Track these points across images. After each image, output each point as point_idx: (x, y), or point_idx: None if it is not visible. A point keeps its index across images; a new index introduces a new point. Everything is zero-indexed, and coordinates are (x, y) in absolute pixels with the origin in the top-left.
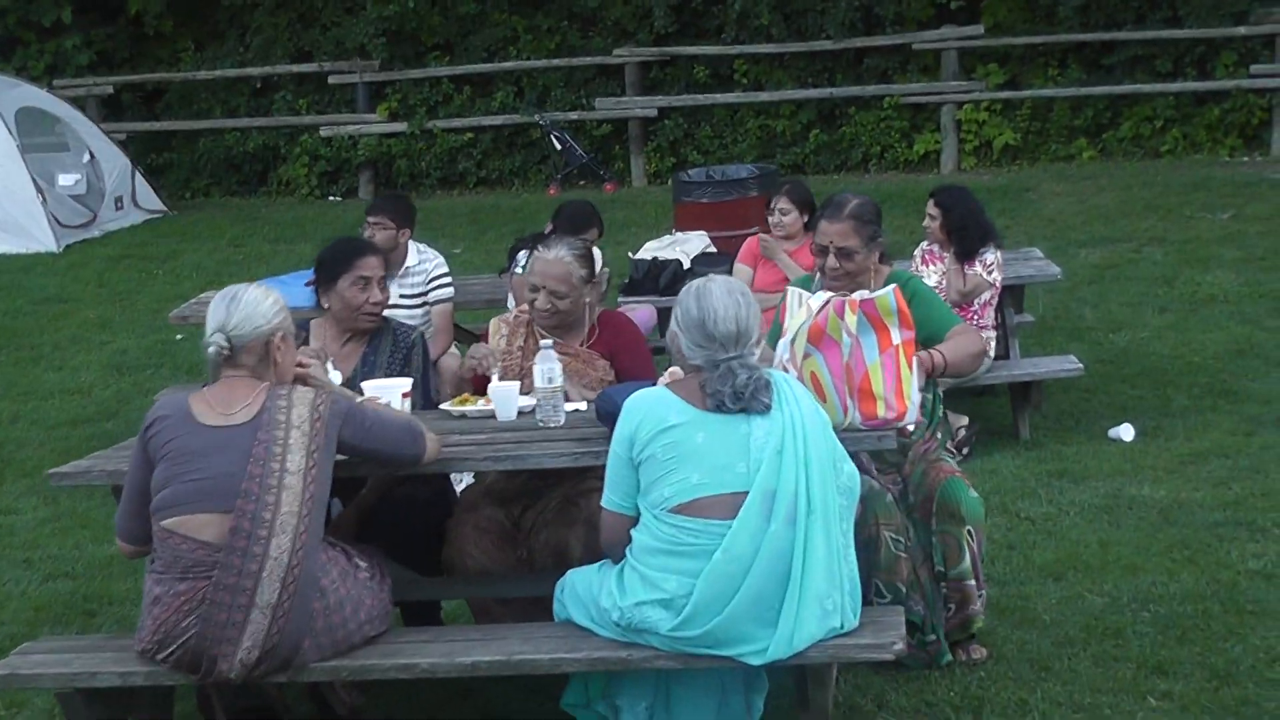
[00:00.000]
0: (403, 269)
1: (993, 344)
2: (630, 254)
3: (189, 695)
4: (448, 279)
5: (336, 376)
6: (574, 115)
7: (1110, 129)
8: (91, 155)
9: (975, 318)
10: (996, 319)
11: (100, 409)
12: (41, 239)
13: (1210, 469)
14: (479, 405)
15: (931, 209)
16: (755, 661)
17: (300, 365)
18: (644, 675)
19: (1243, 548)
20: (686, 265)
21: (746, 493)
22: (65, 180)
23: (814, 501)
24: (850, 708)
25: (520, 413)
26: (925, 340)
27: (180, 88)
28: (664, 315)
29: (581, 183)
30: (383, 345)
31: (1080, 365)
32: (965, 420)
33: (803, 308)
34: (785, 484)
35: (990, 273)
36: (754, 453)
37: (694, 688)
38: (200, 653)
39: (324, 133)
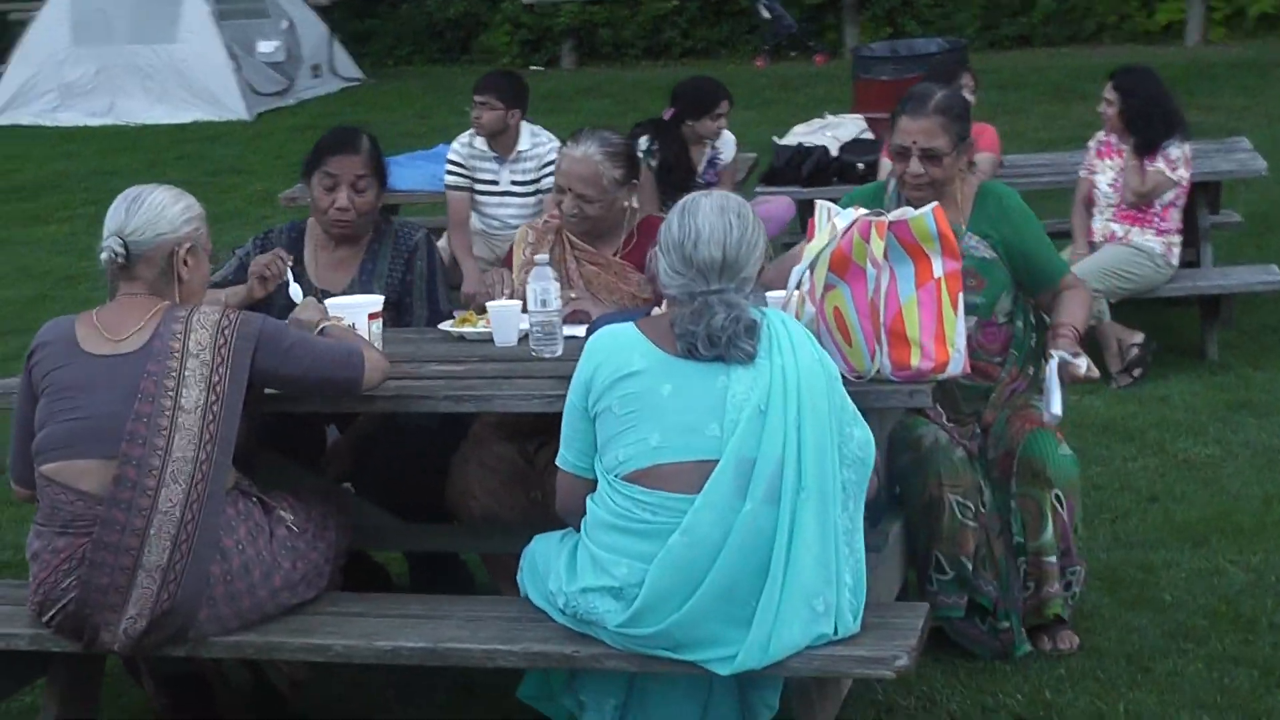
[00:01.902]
0: (514, 153)
1: (1176, 250)
2: (775, 138)
3: None
4: None
5: (296, 291)
6: None
7: None
8: (290, 22)
9: (1156, 219)
10: (1183, 221)
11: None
12: (233, 107)
13: None
14: (480, 326)
15: (1109, 93)
16: (722, 670)
17: (265, 271)
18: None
19: None
20: (834, 153)
21: (717, 461)
22: (265, 47)
23: (806, 475)
24: (889, 707)
25: (524, 336)
26: (1021, 281)
27: None
28: (804, 208)
29: (791, 54)
30: (383, 251)
31: (1278, 277)
32: (1139, 337)
33: (828, 226)
34: (768, 452)
35: (1175, 169)
36: (730, 412)
37: (672, 685)
38: (81, 619)
39: (526, 0)
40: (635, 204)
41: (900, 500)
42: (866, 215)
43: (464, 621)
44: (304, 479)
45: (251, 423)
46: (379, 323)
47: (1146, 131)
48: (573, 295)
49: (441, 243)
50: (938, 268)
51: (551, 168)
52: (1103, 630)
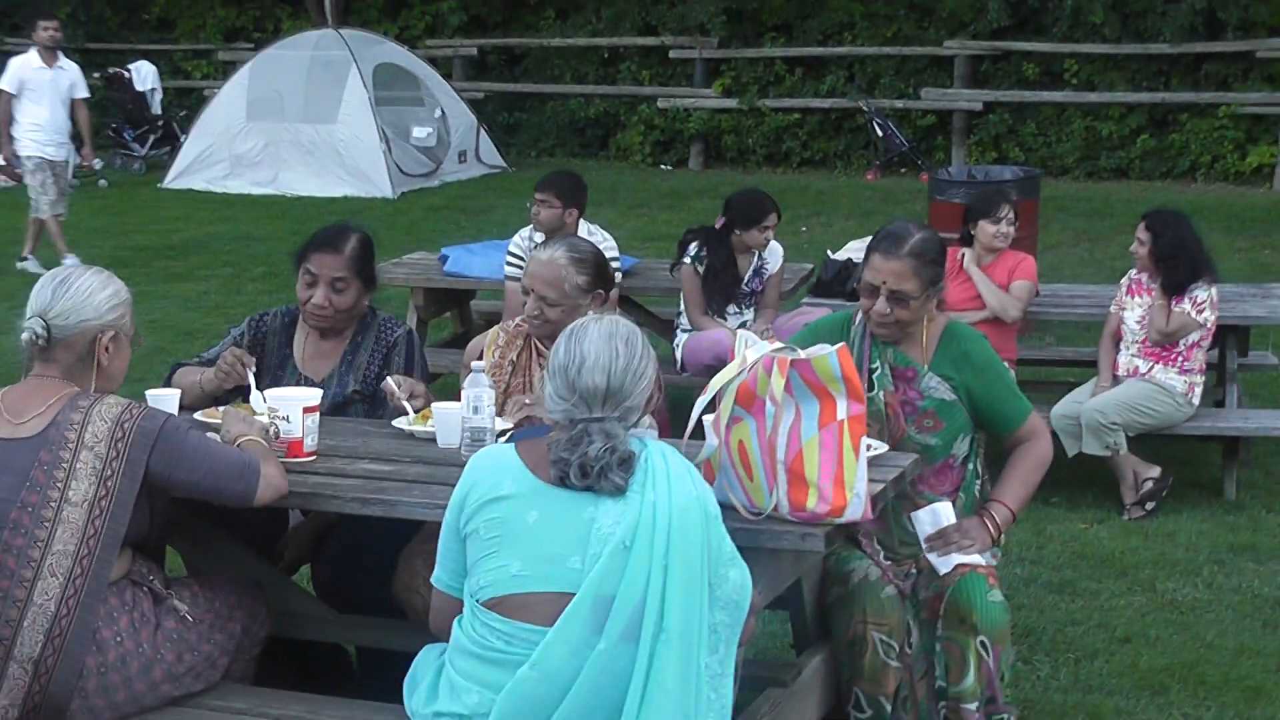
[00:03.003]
0: None
1: (1197, 390)
2: (830, 252)
3: None
4: (615, 263)
5: (256, 397)
6: (900, 103)
7: None
8: (443, 111)
9: (1180, 358)
10: (1206, 361)
11: None
12: (380, 185)
13: None
14: (429, 425)
15: (1141, 233)
16: None
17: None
18: None
19: None
20: None
21: (575, 594)
22: (419, 133)
23: (669, 616)
24: None
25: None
26: (982, 424)
27: (538, 53)
28: None
29: (901, 170)
30: (364, 343)
31: None
32: (1155, 471)
33: (739, 358)
34: (629, 590)
35: (1201, 311)
36: (594, 545)
37: None
38: None
39: (660, 104)
40: (604, 313)
41: (829, 634)
42: (773, 350)
43: None
44: (239, 562)
45: (157, 514)
46: (315, 416)
47: (1174, 273)
48: (527, 401)
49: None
50: (842, 409)
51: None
52: None
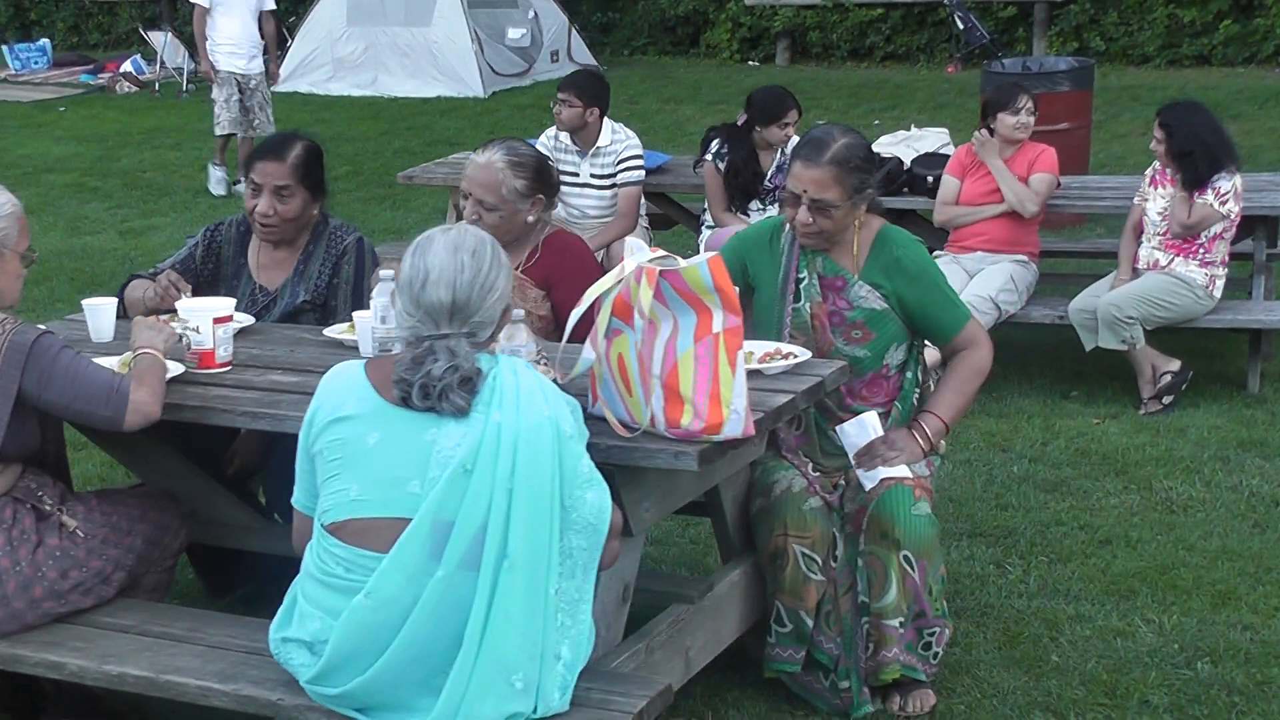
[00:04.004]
0: (594, 148)
1: (1219, 282)
2: None
3: None
4: (638, 161)
5: (193, 324)
6: None
7: None
8: (535, 12)
9: (1201, 250)
10: (1231, 253)
11: None
12: (471, 84)
13: None
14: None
15: (1156, 130)
16: None
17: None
18: None
19: None
20: (906, 165)
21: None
22: (514, 34)
23: (513, 543)
24: None
25: None
26: (917, 332)
27: None
28: None
29: (984, 63)
30: (316, 253)
31: None
32: (1175, 364)
33: (618, 268)
34: (469, 515)
35: (1224, 203)
36: (433, 469)
37: None
38: None
39: (748, 1)
40: (546, 217)
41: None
42: (649, 260)
43: (207, 649)
44: (171, 470)
45: (49, 428)
46: (227, 326)
47: (1191, 168)
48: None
49: None
50: (718, 322)
51: (629, 163)
52: (966, 692)
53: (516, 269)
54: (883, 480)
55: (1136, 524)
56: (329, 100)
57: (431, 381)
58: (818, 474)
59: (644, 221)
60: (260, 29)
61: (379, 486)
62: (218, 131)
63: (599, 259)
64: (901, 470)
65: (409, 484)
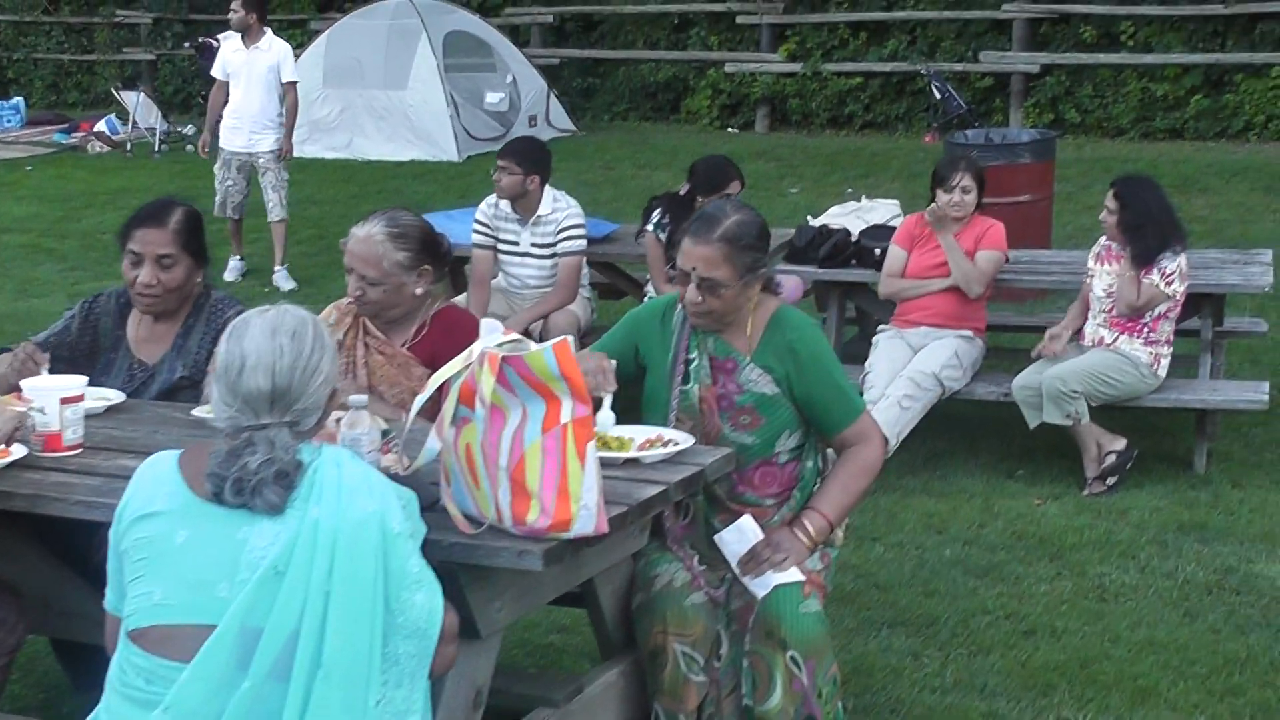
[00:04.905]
0: (534, 216)
1: (1164, 361)
2: (810, 217)
3: None
4: (579, 230)
5: (38, 404)
6: (959, 66)
7: None
8: (514, 77)
9: (1146, 330)
10: (1174, 333)
11: None
12: (446, 148)
13: None
14: None
15: (1110, 200)
16: None
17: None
18: None
19: None
20: (855, 237)
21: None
22: (491, 98)
23: (329, 651)
24: None
25: None
26: (806, 421)
27: (613, 20)
28: (822, 292)
29: (969, 131)
30: (196, 327)
31: (1265, 398)
32: (1120, 444)
33: (466, 350)
34: (280, 621)
35: (1170, 283)
36: (244, 571)
37: None
38: None
39: (728, 69)
40: (431, 291)
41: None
42: (496, 344)
43: None
44: (21, 558)
45: None
46: (76, 407)
47: (1141, 241)
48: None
49: (461, 299)
50: (566, 412)
51: (570, 232)
52: None
53: (402, 346)
54: (775, 588)
55: (1064, 612)
56: (302, 163)
57: (246, 476)
58: (703, 567)
59: (585, 291)
60: (280, 102)
61: (185, 590)
62: (215, 213)
63: (537, 330)
64: (793, 574)
65: (217, 587)
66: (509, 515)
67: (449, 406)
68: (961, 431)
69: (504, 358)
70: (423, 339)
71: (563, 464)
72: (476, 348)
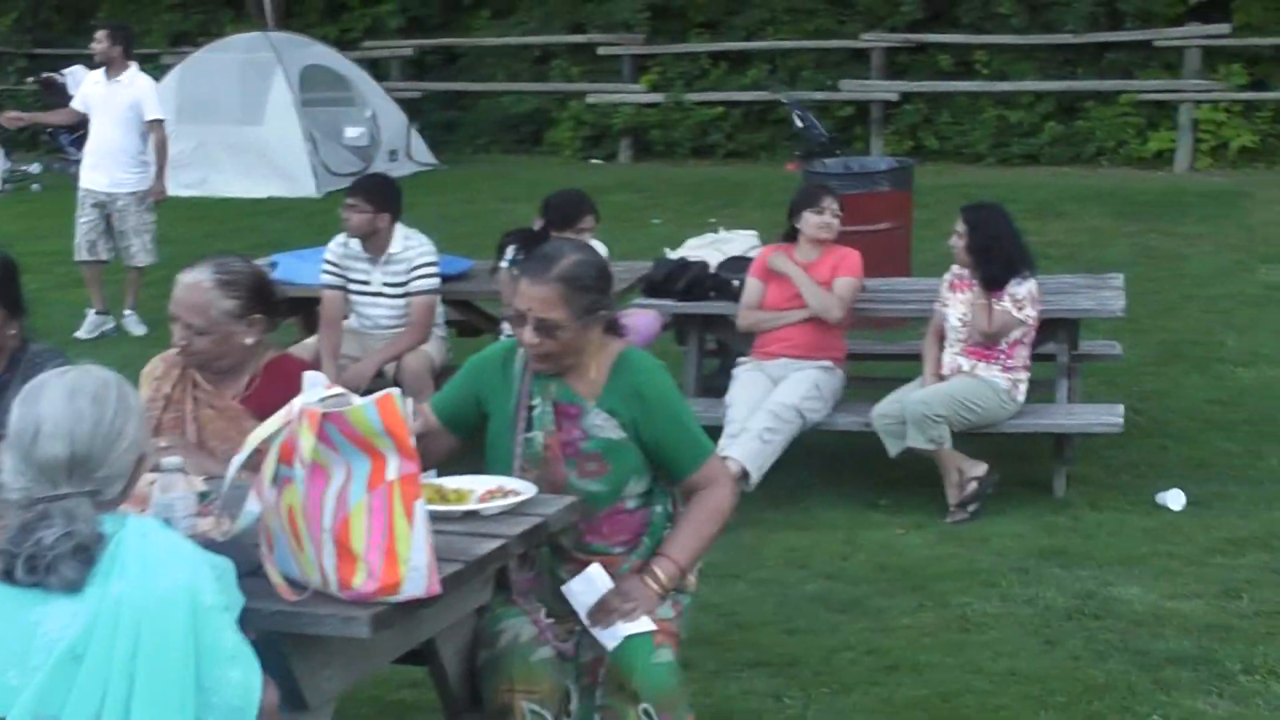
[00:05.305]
0: (385, 255)
1: (1022, 387)
2: (668, 250)
3: None
4: (431, 269)
5: None
6: (819, 95)
7: None
8: (373, 111)
9: (1003, 356)
10: (1030, 358)
11: None
12: (304, 184)
13: (1237, 565)
14: None
15: (959, 225)
16: None
17: None
18: None
19: (1182, 705)
20: (713, 269)
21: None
22: (351, 132)
23: None
24: None
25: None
26: (658, 466)
27: (473, 52)
28: (681, 325)
29: (828, 160)
30: (13, 381)
31: (1120, 420)
32: (981, 469)
33: (287, 407)
34: (77, 709)
35: (1021, 308)
36: (36, 656)
37: None
38: None
39: (590, 100)
40: (264, 341)
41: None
42: (318, 400)
43: None
44: None
45: None
46: None
47: (989, 266)
48: (162, 444)
49: (313, 340)
50: (392, 469)
51: (421, 271)
52: None
53: (234, 398)
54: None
55: (927, 645)
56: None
57: (41, 552)
58: (551, 620)
59: (440, 331)
60: (143, 140)
61: None
62: (75, 257)
63: (390, 371)
64: (644, 624)
65: (6, 675)
66: (334, 579)
67: (269, 466)
68: (824, 463)
69: (324, 414)
70: (255, 390)
71: (389, 523)
72: (297, 403)
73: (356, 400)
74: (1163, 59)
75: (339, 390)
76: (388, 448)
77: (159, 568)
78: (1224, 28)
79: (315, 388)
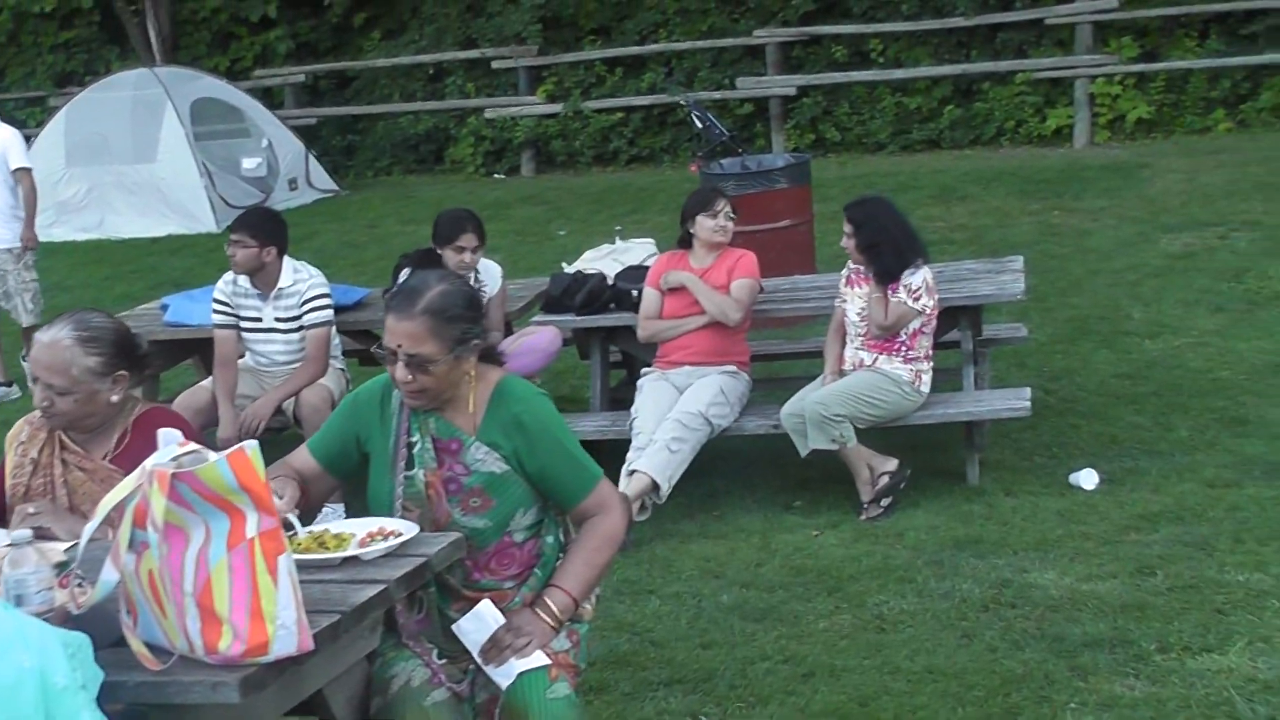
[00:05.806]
0: (275, 290)
1: (925, 378)
2: (565, 264)
3: None
4: (324, 300)
5: None
6: (717, 94)
7: (1250, 100)
8: (269, 141)
9: (904, 348)
10: (932, 347)
11: None
12: (203, 220)
13: (1151, 541)
14: None
15: (845, 225)
16: None
17: None
18: None
19: (1100, 690)
20: (611, 280)
21: None
22: (249, 164)
23: None
24: None
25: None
26: (545, 496)
27: (367, 74)
28: (583, 339)
29: (725, 160)
30: None
31: (1027, 405)
32: (892, 464)
33: (139, 469)
34: None
35: (917, 298)
36: None
37: None
38: None
39: (488, 115)
40: (132, 396)
41: None
42: (169, 459)
43: None
44: None
45: None
46: None
47: (880, 260)
48: (31, 510)
49: (208, 382)
50: (251, 525)
51: (314, 303)
52: None
53: (103, 458)
54: (521, 675)
55: (844, 649)
56: (51, 248)
57: None
58: (443, 661)
59: (338, 363)
60: (12, 193)
61: None
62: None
63: (289, 407)
64: (538, 658)
65: None
66: (200, 644)
67: (124, 531)
68: (736, 468)
69: (174, 474)
70: (125, 448)
71: (253, 582)
72: (148, 464)
73: (211, 457)
74: (1055, 36)
75: (193, 447)
76: (245, 504)
77: (4, 653)
78: (1112, 1)
79: (169, 446)
